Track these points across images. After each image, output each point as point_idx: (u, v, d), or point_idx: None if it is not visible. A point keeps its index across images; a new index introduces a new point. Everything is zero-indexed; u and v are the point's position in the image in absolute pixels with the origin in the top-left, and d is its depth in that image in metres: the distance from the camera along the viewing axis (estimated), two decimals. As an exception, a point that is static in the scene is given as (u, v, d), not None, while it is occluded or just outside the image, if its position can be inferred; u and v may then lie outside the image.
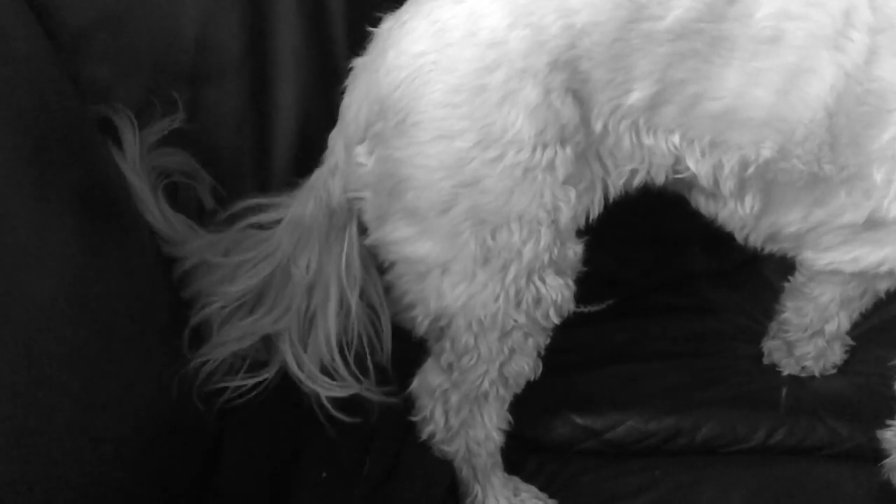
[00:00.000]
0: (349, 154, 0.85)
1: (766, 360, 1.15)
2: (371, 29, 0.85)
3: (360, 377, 0.93)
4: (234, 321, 0.92)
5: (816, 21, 0.75)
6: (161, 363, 0.86)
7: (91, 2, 0.95)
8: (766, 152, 0.80)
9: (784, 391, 1.10)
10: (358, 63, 0.86)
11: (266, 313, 0.92)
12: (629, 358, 1.18)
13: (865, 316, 1.13)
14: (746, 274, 1.29)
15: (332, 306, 0.90)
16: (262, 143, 1.08)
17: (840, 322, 1.09)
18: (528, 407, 1.06)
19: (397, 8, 0.85)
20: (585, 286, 1.28)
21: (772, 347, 1.14)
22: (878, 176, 0.80)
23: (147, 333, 0.85)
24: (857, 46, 0.75)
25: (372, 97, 0.82)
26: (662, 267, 1.30)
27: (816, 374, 1.13)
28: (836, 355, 1.13)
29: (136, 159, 0.90)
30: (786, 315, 1.12)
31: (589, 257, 1.27)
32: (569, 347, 1.17)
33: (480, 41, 0.76)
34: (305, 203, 0.90)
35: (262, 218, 0.94)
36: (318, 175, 0.90)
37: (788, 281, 1.12)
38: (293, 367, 0.91)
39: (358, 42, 0.90)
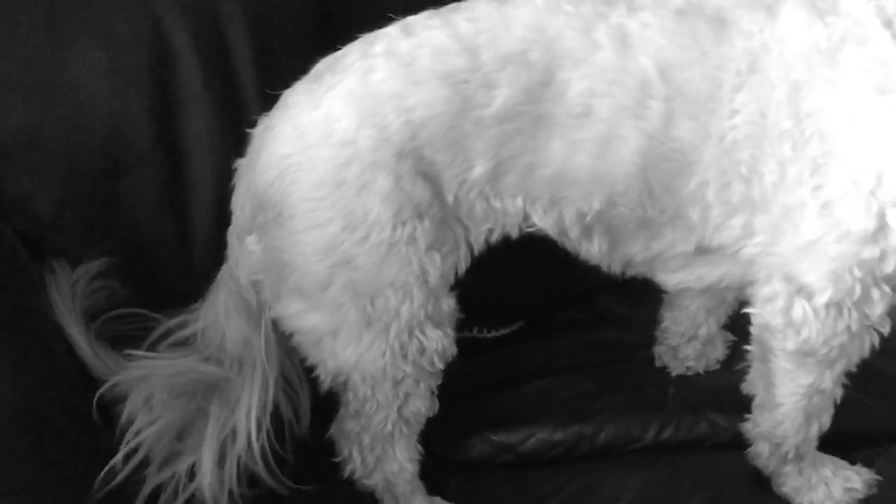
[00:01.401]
0: (241, 244, 0.97)
1: (657, 364, 1.28)
2: (249, 130, 0.98)
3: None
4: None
5: (618, 96, 0.87)
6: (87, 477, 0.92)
7: (3, 124, 1.04)
8: (596, 204, 0.92)
9: (671, 391, 1.23)
10: (240, 163, 0.98)
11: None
12: (538, 375, 1.29)
13: (734, 317, 1.25)
14: (643, 285, 1.41)
15: (257, 391, 1.01)
16: (181, 223, 1.16)
17: (709, 326, 1.21)
18: (448, 430, 1.20)
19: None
20: (495, 312, 1.41)
21: (660, 352, 1.27)
22: (694, 215, 0.92)
23: (74, 452, 0.91)
24: (655, 113, 0.87)
25: (252, 194, 0.94)
26: (564, 286, 1.42)
27: (700, 371, 1.25)
28: (718, 352, 1.26)
29: (68, 303, 0.99)
30: (665, 324, 1.25)
31: (495, 284, 1.40)
32: (483, 370, 1.30)
33: (335, 142, 0.88)
34: (217, 297, 1.02)
35: (179, 335, 1.05)
36: (225, 269, 1.02)
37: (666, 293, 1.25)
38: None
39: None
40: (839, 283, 0.87)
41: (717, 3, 0.88)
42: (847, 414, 1.11)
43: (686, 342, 1.23)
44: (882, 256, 0.85)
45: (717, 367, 1.26)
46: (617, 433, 1.19)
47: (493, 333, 1.37)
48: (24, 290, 0.96)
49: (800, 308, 0.89)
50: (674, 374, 1.26)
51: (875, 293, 0.88)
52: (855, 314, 0.89)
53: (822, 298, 0.88)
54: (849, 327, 0.90)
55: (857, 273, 0.86)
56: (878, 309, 0.89)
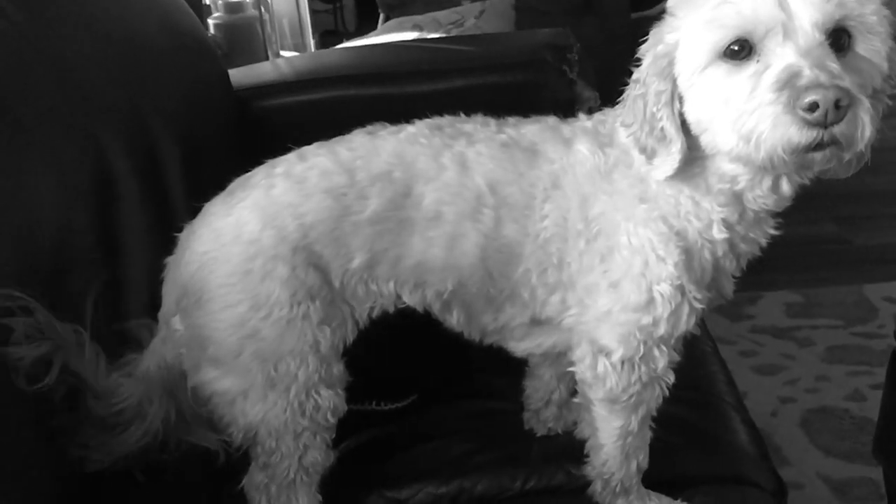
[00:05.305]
0: (169, 325, 1.20)
1: (525, 427, 1.50)
2: (176, 234, 1.23)
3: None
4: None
5: (460, 204, 1.14)
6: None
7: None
8: (450, 285, 1.18)
9: (535, 448, 1.45)
10: (169, 260, 1.22)
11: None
12: (428, 439, 1.49)
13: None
14: (518, 364, 1.66)
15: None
16: (118, 312, 1.34)
17: (561, 392, 1.44)
18: (349, 489, 1.40)
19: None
20: (392, 387, 1.65)
21: (526, 417, 1.49)
22: (525, 294, 1.18)
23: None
24: (487, 217, 1.14)
25: (178, 283, 1.18)
26: (454, 365, 1.66)
27: (560, 431, 1.47)
28: (574, 414, 1.47)
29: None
30: (527, 392, 1.47)
31: (394, 364, 1.64)
32: (381, 437, 1.52)
33: (244, 240, 1.13)
34: (150, 362, 1.23)
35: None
36: (156, 341, 1.24)
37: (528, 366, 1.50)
38: None
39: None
40: (627, 344, 1.13)
41: (530, 138, 1.16)
42: (671, 461, 1.37)
43: (545, 406, 1.46)
44: (655, 322, 1.11)
45: (574, 427, 1.50)
46: (490, 485, 1.40)
47: (391, 406, 1.58)
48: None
49: (602, 365, 1.15)
50: (538, 434, 1.47)
51: (656, 351, 1.14)
52: (644, 368, 1.15)
53: (616, 356, 1.14)
54: (640, 378, 1.15)
55: (639, 336, 1.13)
56: (660, 363, 1.15)
